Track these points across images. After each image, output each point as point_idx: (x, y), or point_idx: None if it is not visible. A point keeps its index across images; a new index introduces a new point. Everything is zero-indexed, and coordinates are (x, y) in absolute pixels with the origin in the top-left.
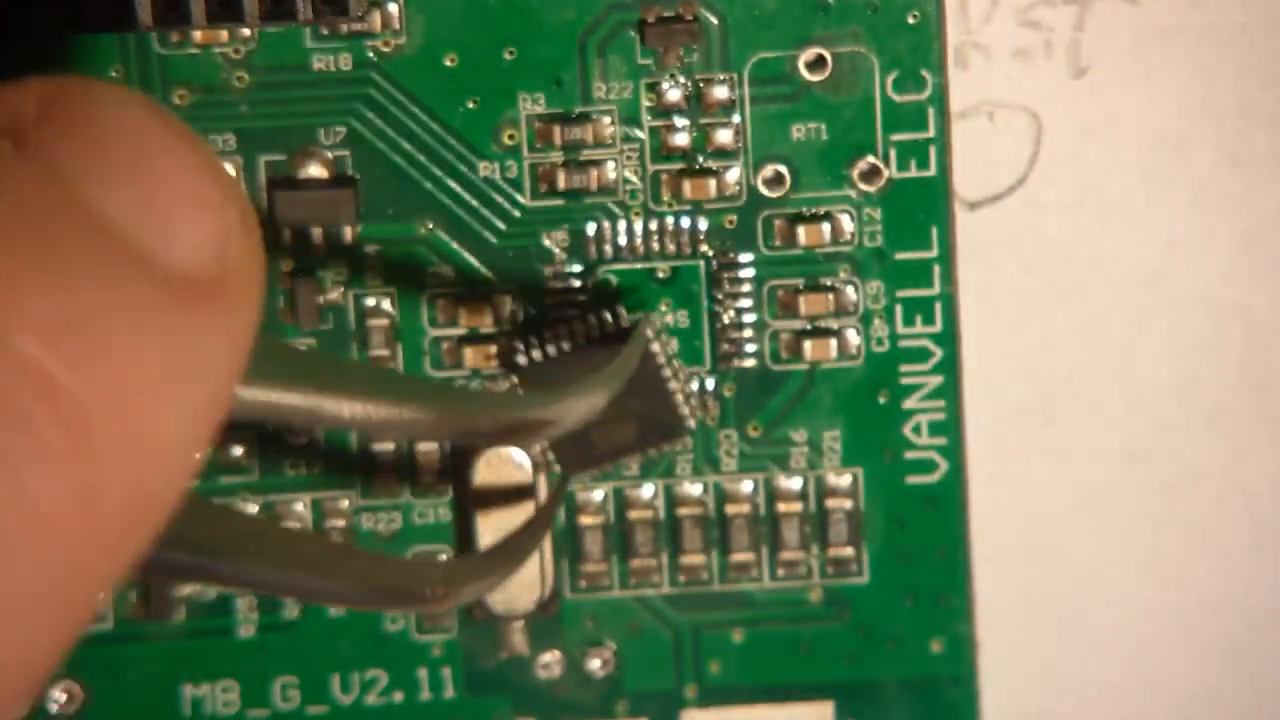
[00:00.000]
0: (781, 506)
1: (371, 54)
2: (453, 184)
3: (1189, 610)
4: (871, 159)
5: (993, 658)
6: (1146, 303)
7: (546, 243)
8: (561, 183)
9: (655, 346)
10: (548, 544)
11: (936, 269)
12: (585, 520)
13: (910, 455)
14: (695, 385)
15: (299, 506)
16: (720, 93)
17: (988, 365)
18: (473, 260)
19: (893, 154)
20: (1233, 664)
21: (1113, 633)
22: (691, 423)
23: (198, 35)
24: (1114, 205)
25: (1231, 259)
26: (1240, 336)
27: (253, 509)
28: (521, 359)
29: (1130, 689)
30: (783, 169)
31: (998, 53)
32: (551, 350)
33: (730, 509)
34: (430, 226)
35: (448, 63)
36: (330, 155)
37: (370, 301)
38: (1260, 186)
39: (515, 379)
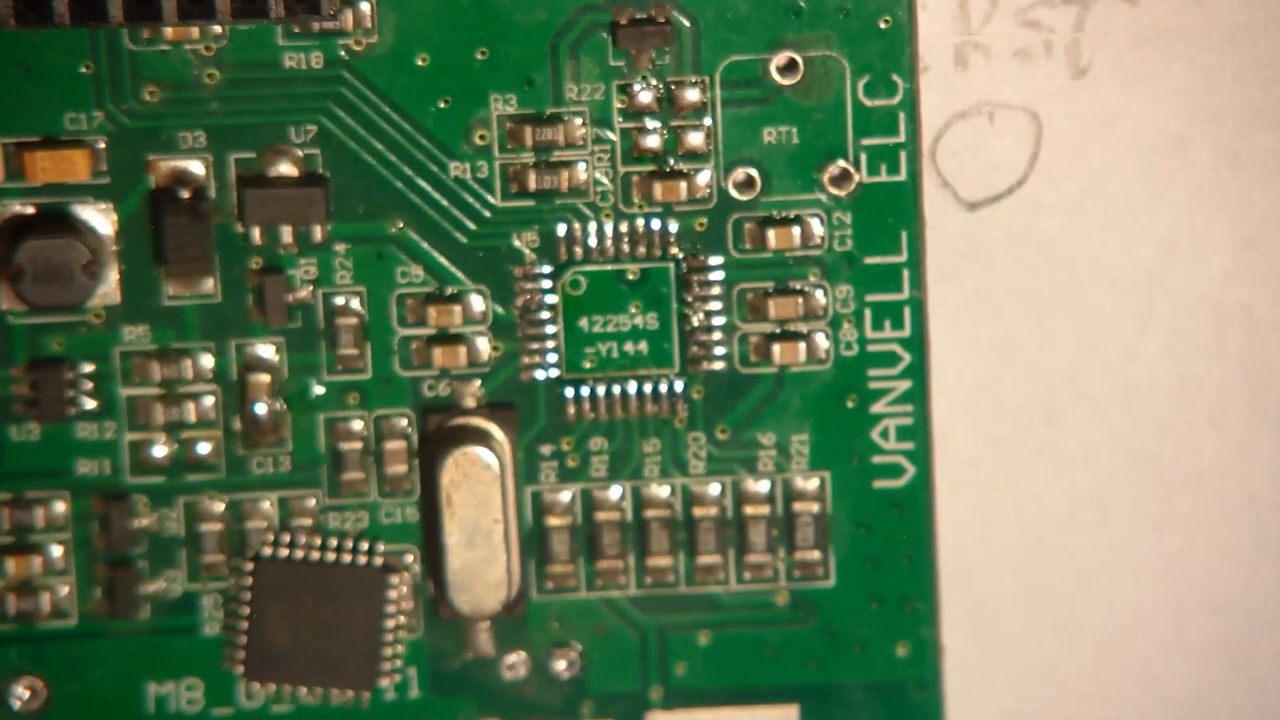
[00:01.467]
0: (749, 509)
1: (343, 53)
2: (423, 184)
3: (1189, 610)
4: (842, 163)
5: (987, 661)
6: (1146, 303)
7: (516, 243)
8: (532, 183)
9: (391, 595)
10: (515, 545)
11: (906, 274)
12: (552, 521)
13: (877, 460)
14: (402, 650)
15: (265, 505)
16: (692, 95)
17: (987, 366)
18: (442, 260)
19: (863, 158)
20: (1233, 664)
21: (1112, 632)
22: (383, 682)
23: (169, 32)
24: (1114, 205)
25: (1231, 259)
26: (1240, 337)
27: (219, 507)
28: (266, 550)
29: (1129, 689)
30: (753, 172)
31: (998, 53)
32: (298, 555)
33: (697, 511)
34: (400, 226)
35: (419, 62)
36: (300, 154)
37: (339, 300)
38: (1260, 186)
39: (249, 565)
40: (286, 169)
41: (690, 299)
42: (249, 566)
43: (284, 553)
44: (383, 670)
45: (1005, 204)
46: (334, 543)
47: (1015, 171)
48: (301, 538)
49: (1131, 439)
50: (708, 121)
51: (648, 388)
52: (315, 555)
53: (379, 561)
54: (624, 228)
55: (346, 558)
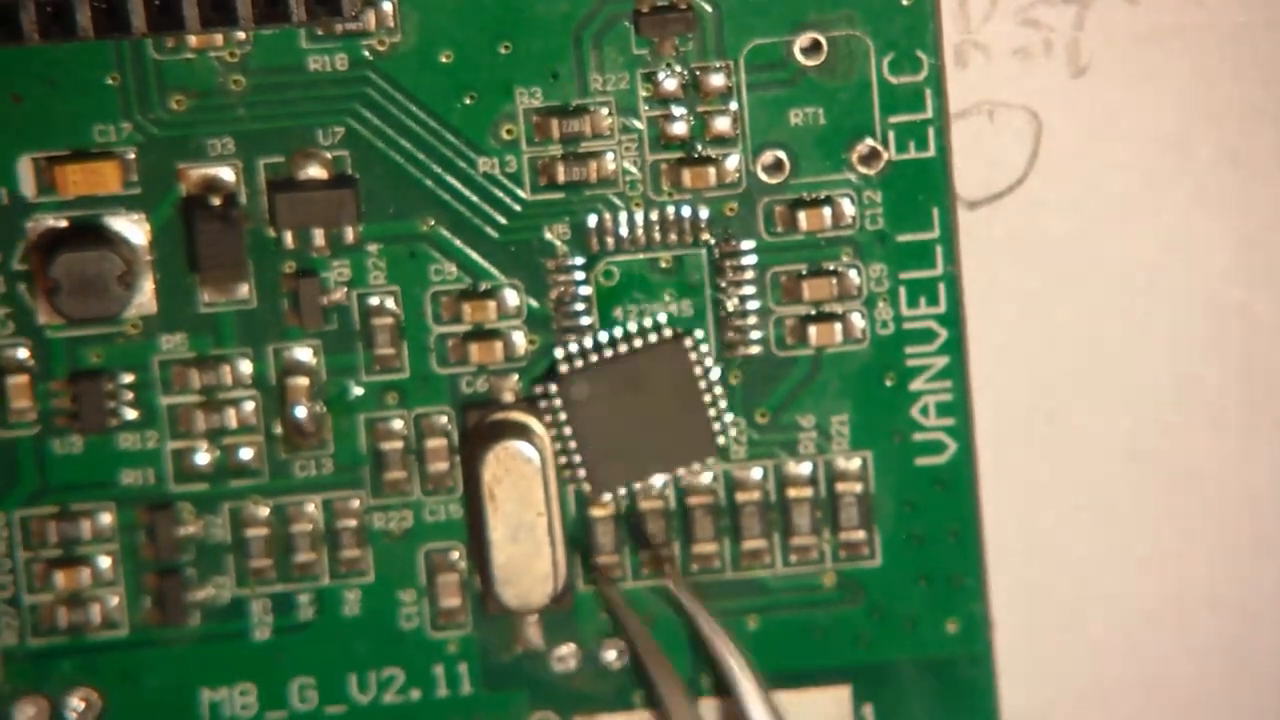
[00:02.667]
0: (791, 492)
1: (367, 53)
2: (452, 180)
3: (1189, 610)
4: (870, 142)
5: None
6: (1146, 302)
7: (548, 236)
8: (561, 176)
9: (694, 358)
10: (559, 537)
11: (939, 250)
12: (597, 512)
13: (919, 437)
14: (726, 407)
15: (310, 508)
16: (717, 80)
17: (988, 365)
18: (475, 256)
19: (891, 136)
20: (1233, 664)
21: (1112, 632)
22: (721, 441)
23: (192, 40)
24: (1114, 205)
25: (1231, 259)
26: (1240, 336)
27: (264, 512)
28: (564, 367)
29: (1129, 688)
30: (782, 155)
31: (997, 52)
32: (594, 359)
33: (740, 496)
34: (431, 224)
35: (443, 59)
36: (329, 156)
37: (374, 301)
38: (1260, 186)
39: (554, 388)
40: (316, 172)
41: (724, 284)
42: (553, 390)
43: (579, 364)
44: (715, 430)
45: (1005, 203)
46: (618, 333)
47: (1015, 170)
48: (588, 341)
49: (1131, 438)
50: (734, 106)
51: None
52: (608, 354)
53: (667, 333)
54: (654, 216)
55: (638, 343)
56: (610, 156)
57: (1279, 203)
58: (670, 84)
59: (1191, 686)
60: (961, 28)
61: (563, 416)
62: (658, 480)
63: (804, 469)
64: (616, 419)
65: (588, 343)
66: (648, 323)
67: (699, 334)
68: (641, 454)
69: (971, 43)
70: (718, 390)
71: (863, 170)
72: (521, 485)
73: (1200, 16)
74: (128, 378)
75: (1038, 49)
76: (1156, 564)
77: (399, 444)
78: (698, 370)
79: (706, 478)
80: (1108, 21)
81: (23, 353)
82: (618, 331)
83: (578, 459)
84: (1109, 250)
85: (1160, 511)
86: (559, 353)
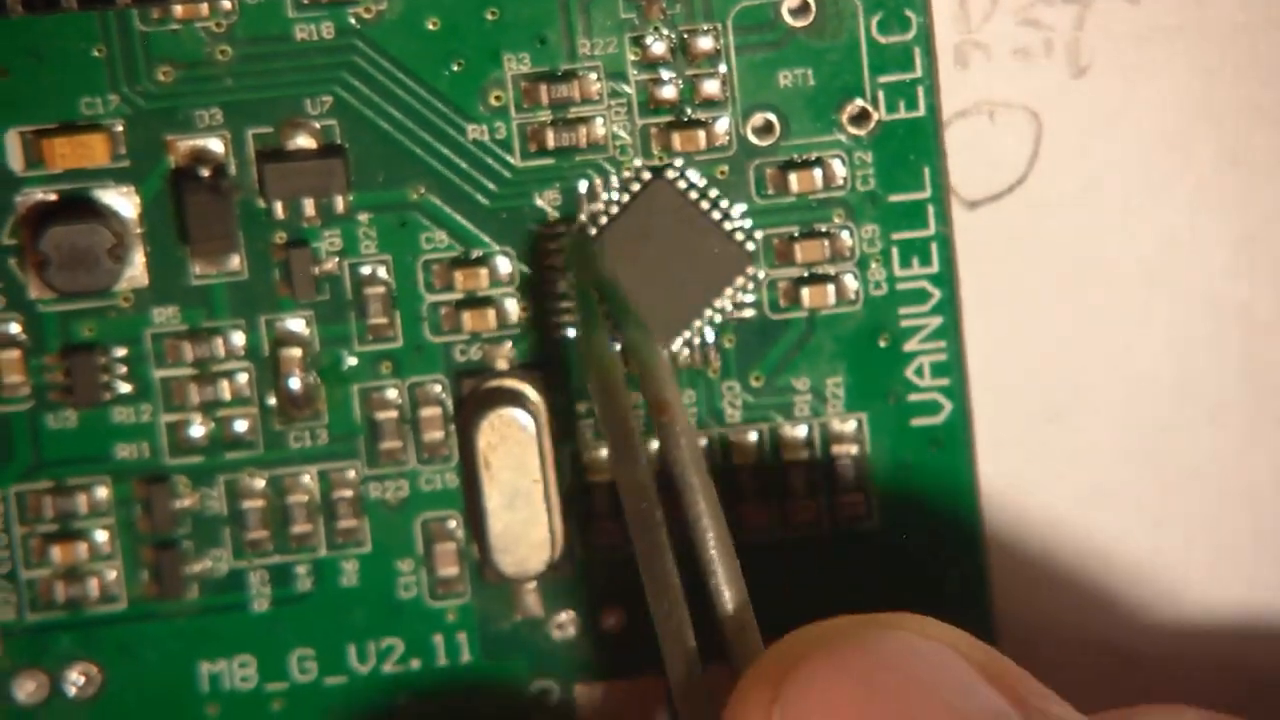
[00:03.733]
0: (787, 455)
1: (354, 21)
2: (442, 148)
3: (1189, 610)
4: (860, 102)
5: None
6: (1146, 301)
7: (539, 202)
8: (551, 141)
9: (682, 188)
10: (556, 504)
11: (931, 209)
12: (594, 478)
13: (914, 398)
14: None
15: (306, 479)
16: (705, 43)
17: (988, 364)
18: (466, 224)
19: (881, 96)
20: (1233, 664)
21: (1112, 631)
22: (750, 245)
23: (178, 10)
24: (1114, 204)
25: (1231, 258)
26: (1240, 335)
27: (260, 484)
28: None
29: (1129, 687)
30: (772, 117)
31: (998, 52)
32: (593, 231)
33: (736, 460)
34: (422, 192)
35: (430, 26)
36: (318, 125)
37: (366, 270)
38: (1260, 186)
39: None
40: (305, 141)
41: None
42: (643, 182)
43: (681, 184)
44: (739, 240)
45: (1005, 202)
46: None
47: (1015, 170)
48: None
49: (1132, 436)
50: (723, 69)
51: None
52: (603, 221)
53: (646, 176)
54: (647, 177)
55: (625, 198)
56: (600, 121)
57: (1279, 202)
58: (659, 47)
59: (1191, 687)
60: (962, 28)
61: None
62: (653, 445)
63: (799, 432)
64: (644, 275)
65: (618, 196)
66: (628, 175)
67: (737, 209)
68: (683, 296)
69: (972, 43)
70: (722, 203)
71: (853, 131)
72: (517, 452)
73: (1200, 16)
74: (120, 351)
75: (1038, 49)
76: (1156, 564)
77: (394, 413)
78: (692, 195)
79: (702, 442)
80: (1108, 21)
81: (14, 328)
82: (600, 203)
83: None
84: (1109, 250)
85: (1160, 510)
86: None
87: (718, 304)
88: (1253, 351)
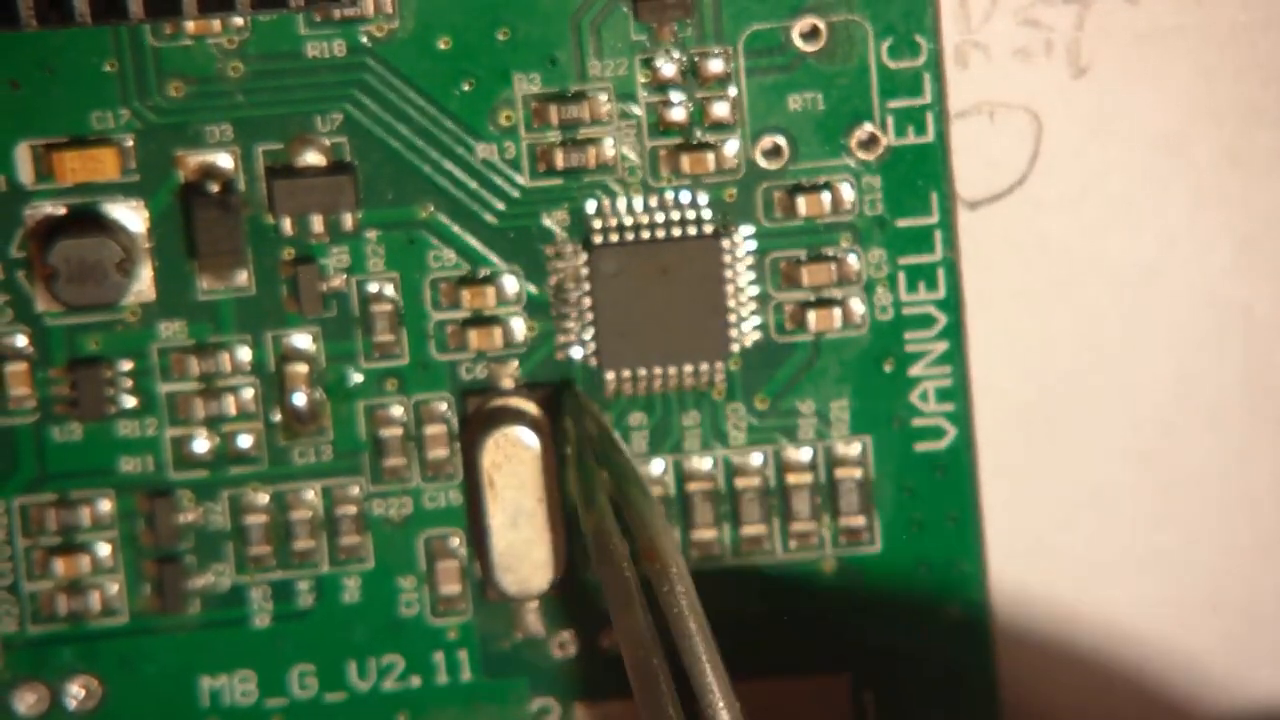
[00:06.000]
0: (791, 478)
1: (365, 39)
2: (451, 167)
3: (1189, 610)
4: (869, 127)
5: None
6: (1146, 301)
7: (547, 222)
8: (560, 162)
9: (727, 260)
10: (559, 524)
11: (938, 234)
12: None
13: (918, 422)
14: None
15: (309, 495)
16: (715, 66)
17: (988, 364)
18: (474, 243)
19: (890, 121)
20: (1233, 664)
21: (1112, 631)
22: (734, 348)
23: (190, 26)
24: (1114, 205)
25: (1231, 258)
26: (1240, 336)
27: (263, 499)
28: (598, 239)
29: (1129, 688)
30: (781, 140)
31: (998, 52)
32: (630, 238)
33: (740, 482)
34: (430, 210)
35: (441, 45)
36: (328, 142)
37: (373, 287)
38: (1260, 186)
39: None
40: (314, 158)
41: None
42: (583, 258)
43: (614, 238)
44: (730, 337)
45: (1005, 203)
46: (660, 218)
47: (1015, 171)
48: (629, 220)
49: (1131, 438)
50: (733, 91)
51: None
52: (645, 235)
53: (708, 230)
54: (653, 201)
55: (676, 231)
56: (609, 142)
57: (1279, 203)
58: (669, 69)
59: (1191, 687)
60: (962, 28)
61: (585, 288)
62: (657, 466)
63: (804, 454)
64: (638, 300)
65: (628, 220)
66: (691, 215)
67: (744, 231)
68: (655, 340)
69: (972, 43)
70: (743, 298)
71: (862, 155)
72: (521, 471)
73: (1200, 16)
74: (126, 365)
75: (1038, 49)
76: (1156, 564)
77: (398, 431)
78: (728, 273)
79: (706, 463)
80: (1108, 21)
81: (21, 340)
82: (659, 217)
83: (591, 332)
84: (1109, 250)
85: (1160, 512)
86: (596, 223)
87: (675, 367)
88: (1252, 352)
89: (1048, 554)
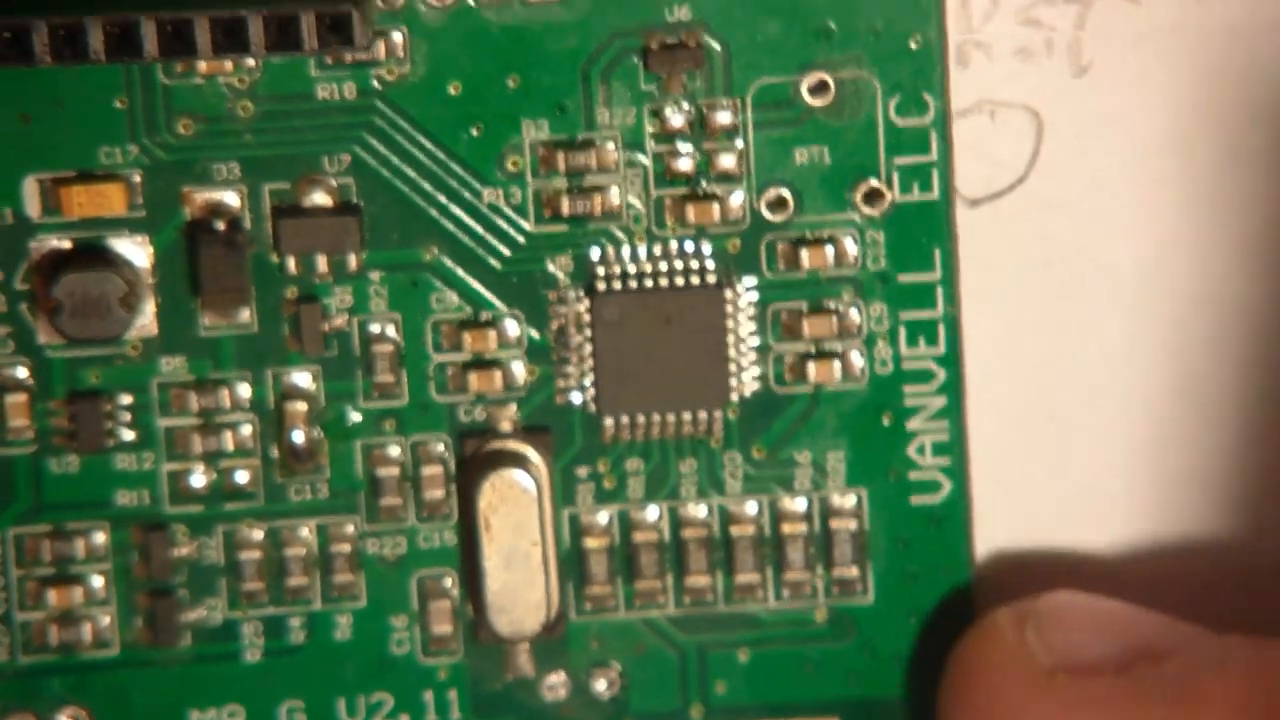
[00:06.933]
0: (786, 527)
1: (375, 82)
2: (457, 210)
3: (1188, 610)
4: (874, 182)
5: None
6: (1146, 301)
7: (551, 268)
8: (565, 208)
9: (729, 310)
10: (553, 566)
11: (940, 291)
12: (590, 543)
13: (914, 476)
14: (751, 363)
15: (304, 532)
16: (723, 118)
17: (988, 363)
18: (477, 286)
19: (895, 177)
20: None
21: None
22: (733, 397)
23: (202, 65)
24: (1114, 203)
25: (1231, 258)
26: (1240, 336)
27: (258, 535)
28: (601, 285)
29: None
30: (786, 193)
31: (999, 51)
32: (633, 285)
33: (735, 530)
34: (435, 253)
35: (451, 90)
36: (334, 183)
37: (375, 328)
38: (1260, 186)
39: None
40: (321, 199)
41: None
42: (586, 304)
43: (617, 286)
44: (730, 386)
45: (1006, 202)
46: (664, 267)
47: (1016, 170)
48: (633, 268)
49: (1129, 438)
50: (739, 143)
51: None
52: (648, 284)
53: (711, 280)
54: (657, 250)
55: (679, 280)
56: (615, 190)
57: (1279, 203)
58: (677, 120)
59: None
60: (963, 27)
61: (586, 334)
62: (652, 512)
63: (799, 504)
64: (639, 347)
65: (631, 268)
66: (694, 265)
67: (747, 282)
68: (654, 387)
69: (973, 42)
70: (744, 348)
71: (866, 210)
72: (517, 514)
73: (1201, 16)
74: (126, 399)
75: (1039, 48)
76: (1156, 564)
77: (395, 470)
78: (729, 323)
79: (701, 511)
80: (1109, 21)
81: (22, 372)
82: (663, 265)
83: (591, 378)
84: (1109, 250)
85: (1160, 511)
86: (599, 270)
87: (674, 414)
88: (1252, 352)
89: (1047, 567)
